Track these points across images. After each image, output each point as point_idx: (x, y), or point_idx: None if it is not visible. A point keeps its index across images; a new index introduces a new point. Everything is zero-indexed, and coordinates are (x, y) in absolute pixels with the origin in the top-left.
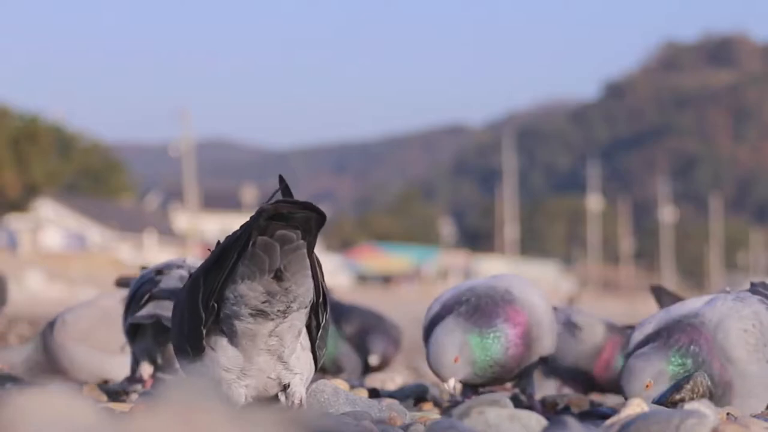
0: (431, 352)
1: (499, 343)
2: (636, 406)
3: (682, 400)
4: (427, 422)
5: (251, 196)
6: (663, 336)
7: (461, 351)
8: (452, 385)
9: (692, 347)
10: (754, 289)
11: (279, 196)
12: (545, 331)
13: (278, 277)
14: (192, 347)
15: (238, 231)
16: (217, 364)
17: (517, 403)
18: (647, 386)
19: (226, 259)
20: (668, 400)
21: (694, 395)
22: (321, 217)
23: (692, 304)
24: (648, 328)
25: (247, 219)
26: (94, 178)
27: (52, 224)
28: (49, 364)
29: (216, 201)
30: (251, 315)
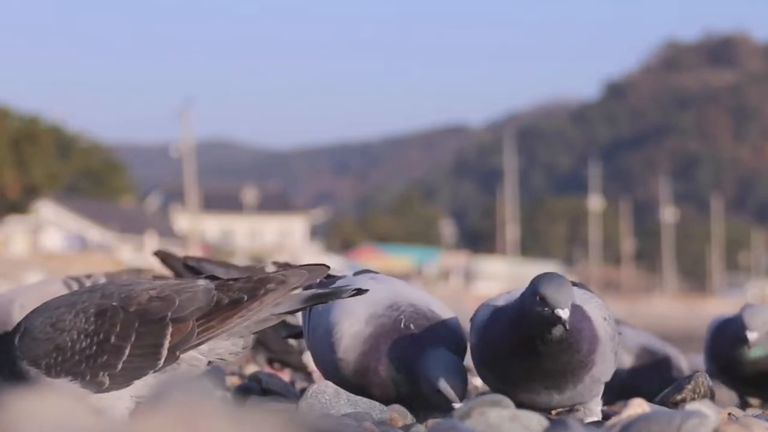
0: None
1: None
2: (637, 407)
3: (684, 401)
4: (428, 423)
5: (252, 196)
6: None
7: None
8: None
9: None
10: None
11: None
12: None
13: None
14: (112, 381)
15: (239, 293)
16: (128, 395)
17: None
18: None
19: (227, 317)
20: (669, 400)
21: (696, 395)
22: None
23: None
24: None
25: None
26: (94, 179)
27: (52, 225)
28: None
29: (217, 202)
30: (210, 363)
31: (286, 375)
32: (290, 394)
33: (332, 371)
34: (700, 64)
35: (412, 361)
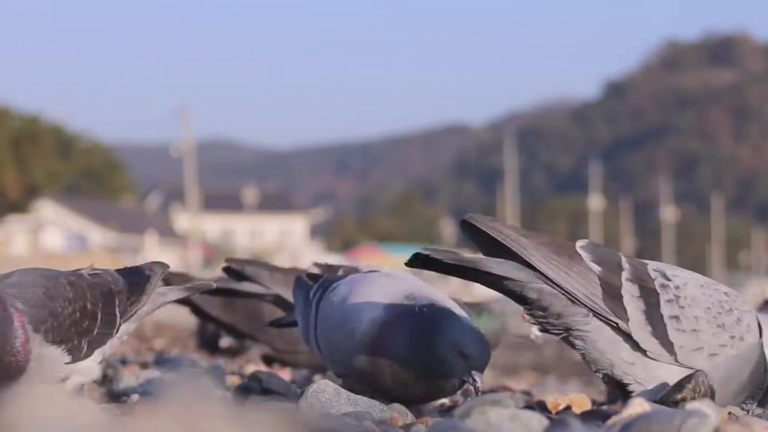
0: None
1: None
2: (637, 406)
3: (684, 400)
4: (428, 422)
5: (252, 196)
6: None
7: None
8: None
9: None
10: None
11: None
12: None
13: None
14: (88, 348)
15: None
16: (96, 362)
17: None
18: None
19: (143, 292)
20: (670, 400)
21: (696, 395)
22: None
23: None
24: None
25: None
26: (94, 178)
27: (52, 225)
28: None
29: (217, 202)
30: (122, 342)
31: (286, 374)
32: (290, 394)
33: (344, 360)
34: (700, 63)
35: (430, 330)
